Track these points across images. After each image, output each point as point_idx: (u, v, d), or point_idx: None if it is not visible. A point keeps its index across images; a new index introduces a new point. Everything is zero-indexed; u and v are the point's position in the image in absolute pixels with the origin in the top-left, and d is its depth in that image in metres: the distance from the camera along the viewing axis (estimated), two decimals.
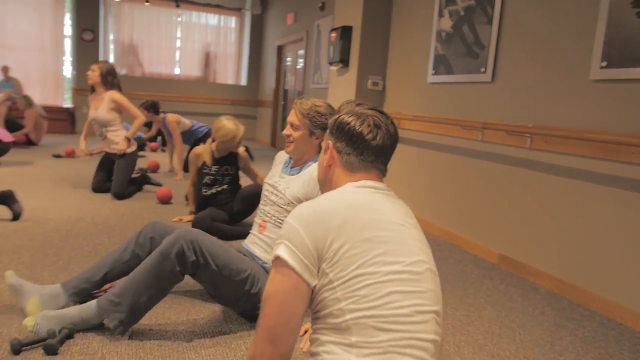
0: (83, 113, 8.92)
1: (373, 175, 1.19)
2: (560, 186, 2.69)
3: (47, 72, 8.96)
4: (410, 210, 1.20)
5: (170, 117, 5.16)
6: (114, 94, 4.07)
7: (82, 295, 1.94)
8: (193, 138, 5.40)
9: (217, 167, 3.33)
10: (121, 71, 9.29)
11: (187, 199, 4.04)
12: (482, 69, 3.19)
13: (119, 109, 4.13)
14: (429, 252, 1.13)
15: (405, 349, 0.97)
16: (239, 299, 1.91)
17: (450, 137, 3.56)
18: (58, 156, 6.03)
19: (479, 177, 3.29)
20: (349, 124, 1.17)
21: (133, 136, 4.15)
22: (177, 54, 9.75)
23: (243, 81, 10.23)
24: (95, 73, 4.06)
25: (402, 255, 1.04)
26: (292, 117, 2.04)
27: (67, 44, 8.99)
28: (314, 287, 1.02)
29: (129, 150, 4.17)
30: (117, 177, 4.12)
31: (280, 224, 2.07)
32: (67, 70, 9.10)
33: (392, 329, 0.97)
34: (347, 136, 1.18)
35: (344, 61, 4.46)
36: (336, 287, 0.99)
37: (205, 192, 3.34)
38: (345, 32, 4.40)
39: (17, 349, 1.62)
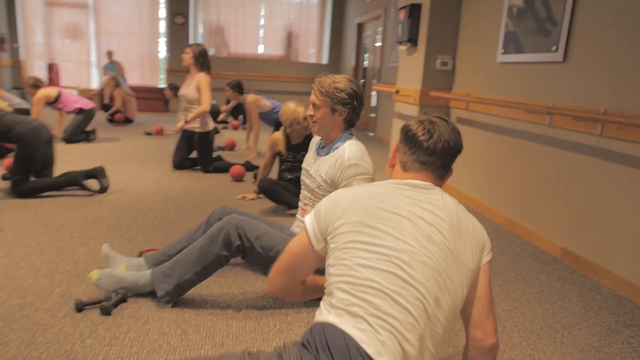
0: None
1: (423, 175, 1.26)
2: (633, 178, 2.43)
3: (144, 54, 9.76)
4: (455, 210, 1.21)
5: (250, 98, 5.34)
6: (202, 76, 4.37)
7: None
8: (273, 120, 5.50)
9: (292, 154, 3.42)
10: (209, 52, 9.81)
11: (255, 177, 4.24)
12: (554, 48, 2.93)
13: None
14: (441, 252, 1.13)
15: (376, 319, 1.06)
16: None
17: (517, 120, 3.34)
18: (149, 134, 6.60)
19: (545, 164, 3.06)
20: (408, 126, 1.30)
21: (192, 120, 4.37)
22: (261, 32, 10.04)
23: (324, 60, 10.30)
24: (189, 55, 4.39)
25: (391, 242, 1.13)
26: (312, 96, 2.06)
27: (162, 28, 9.68)
28: (319, 250, 1.27)
29: (204, 130, 4.47)
30: (199, 155, 4.54)
31: None
32: (162, 52, 9.82)
33: (362, 297, 1.08)
34: (405, 137, 1.30)
35: (413, 40, 4.31)
36: (331, 255, 1.20)
37: (285, 176, 3.48)
38: (414, 10, 4.25)
39: (79, 307, 1.90)
